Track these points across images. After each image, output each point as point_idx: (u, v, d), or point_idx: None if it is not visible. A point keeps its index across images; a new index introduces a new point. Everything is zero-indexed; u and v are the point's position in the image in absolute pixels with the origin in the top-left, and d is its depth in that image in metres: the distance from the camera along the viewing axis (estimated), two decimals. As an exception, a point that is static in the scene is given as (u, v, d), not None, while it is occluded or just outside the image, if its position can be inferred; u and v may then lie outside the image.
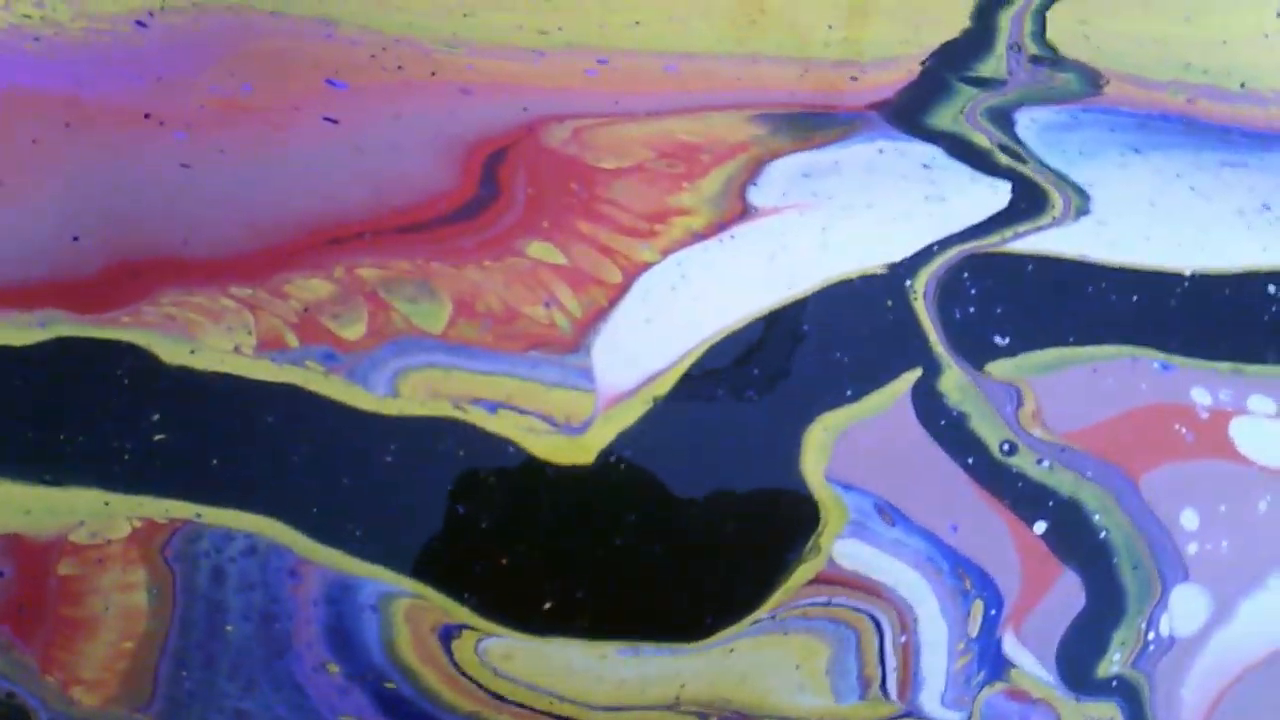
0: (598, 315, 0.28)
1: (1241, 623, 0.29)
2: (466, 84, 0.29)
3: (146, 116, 0.28)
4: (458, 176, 0.28)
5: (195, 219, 0.28)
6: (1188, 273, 0.31)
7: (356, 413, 0.27)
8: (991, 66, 0.32)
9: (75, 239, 0.27)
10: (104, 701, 0.25)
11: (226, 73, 0.28)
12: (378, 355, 0.27)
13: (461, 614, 0.26)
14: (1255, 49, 0.33)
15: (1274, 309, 0.31)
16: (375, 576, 0.26)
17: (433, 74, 0.29)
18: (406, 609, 0.26)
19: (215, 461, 0.26)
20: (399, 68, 0.29)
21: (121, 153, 0.28)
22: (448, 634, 0.26)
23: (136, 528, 0.26)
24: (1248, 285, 0.31)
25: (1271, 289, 0.32)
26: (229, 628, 0.26)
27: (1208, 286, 0.31)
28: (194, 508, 0.26)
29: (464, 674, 0.26)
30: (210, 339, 0.27)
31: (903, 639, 0.27)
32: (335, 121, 0.28)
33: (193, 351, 0.26)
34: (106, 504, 0.26)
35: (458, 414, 0.27)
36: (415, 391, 0.27)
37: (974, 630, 0.27)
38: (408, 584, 0.26)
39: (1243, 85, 0.33)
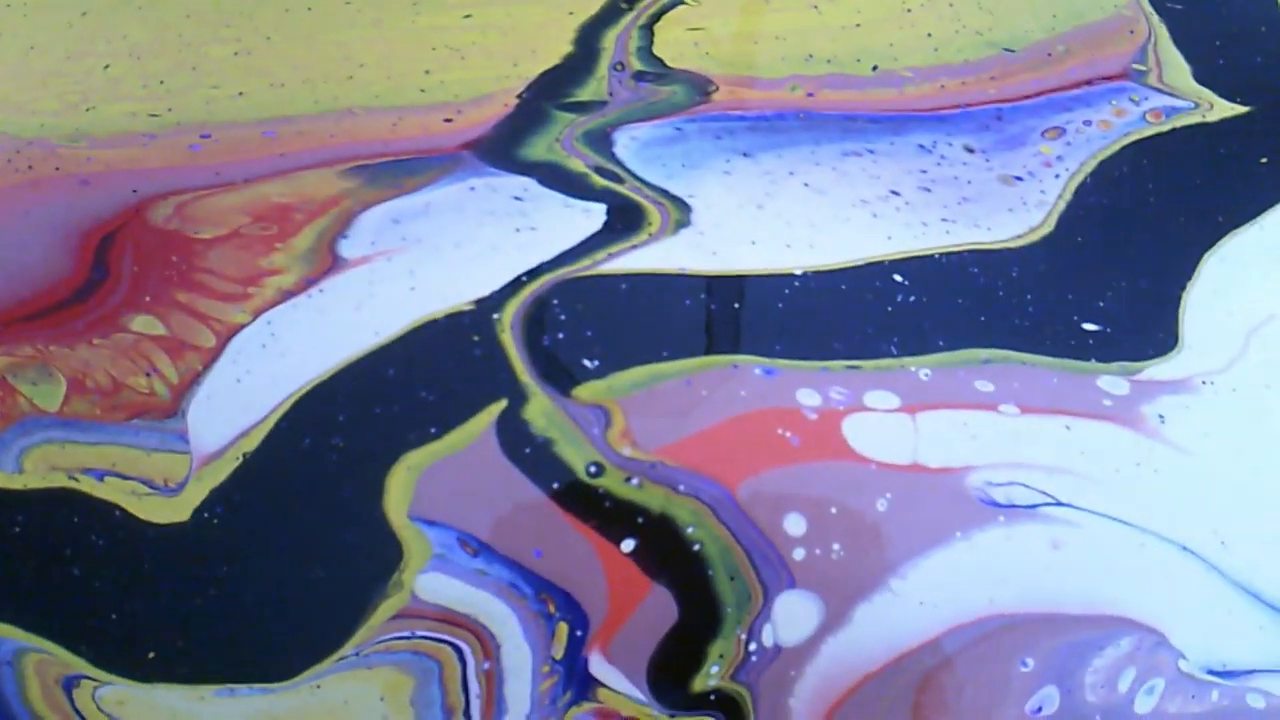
0: (193, 379, 0.30)
1: (858, 628, 0.28)
2: (86, 175, 0.31)
3: None
4: (73, 262, 0.31)
5: None
6: (799, 272, 0.30)
7: (-11, 490, 0.30)
8: (592, 89, 0.32)
9: None
10: None
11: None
12: (6, 436, 0.30)
13: (80, 665, 0.28)
14: (893, 27, 0.32)
15: (899, 298, 0.30)
16: (9, 635, 0.29)
17: (56, 169, 0.32)
18: (36, 663, 0.28)
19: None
20: (29, 167, 0.32)
21: None
22: (69, 684, 0.28)
23: None
24: (869, 277, 0.30)
25: (897, 278, 0.30)
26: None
27: (821, 283, 0.30)
28: None
29: (83, 720, 0.28)
30: None
31: (486, 666, 0.28)
32: (-28, 225, 0.31)
33: None
34: None
35: (72, 484, 0.29)
36: (37, 466, 0.30)
37: (558, 652, 0.28)
38: (35, 640, 0.29)
39: (875, 68, 0.32)
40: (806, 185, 0.31)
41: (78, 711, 0.28)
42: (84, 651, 0.28)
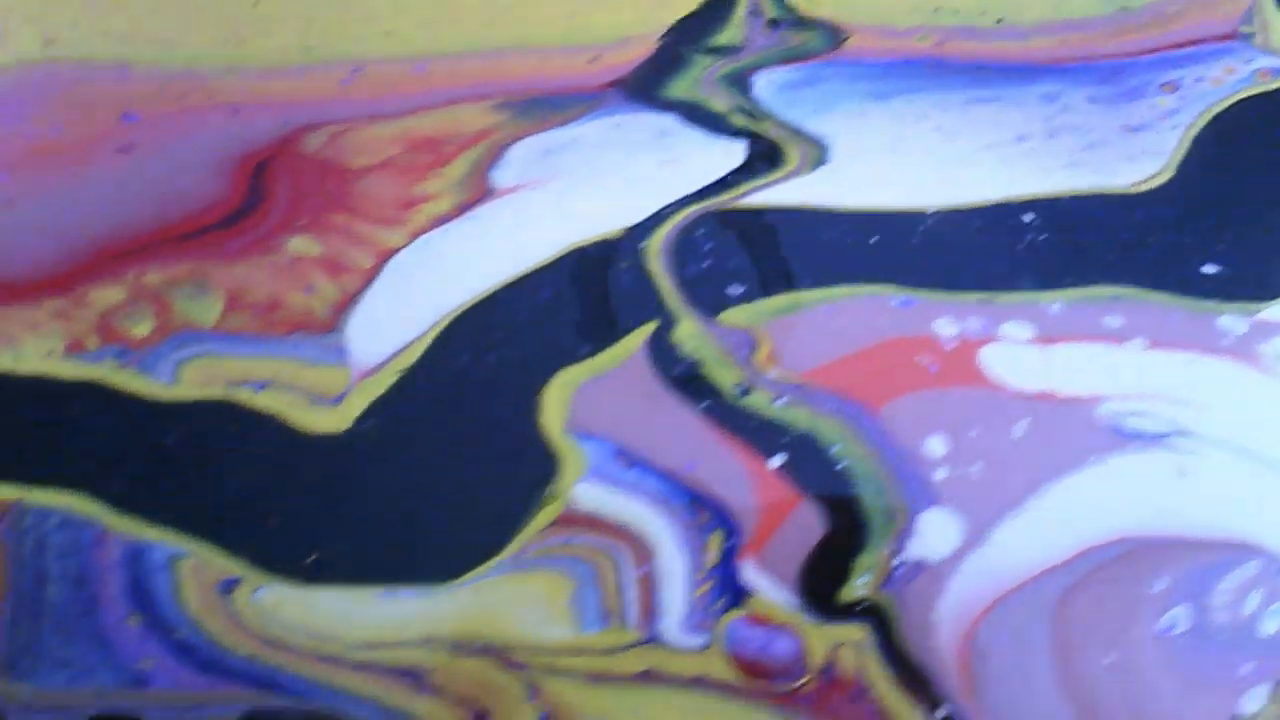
0: (351, 297, 0.30)
1: (997, 548, 0.29)
2: (237, 105, 0.32)
3: (-26, 164, 0.32)
4: (228, 187, 0.32)
5: (15, 246, 0.32)
6: (931, 211, 0.31)
7: (145, 400, 0.30)
8: (729, 35, 0.33)
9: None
10: (-45, 661, 0.29)
11: (43, 118, 0.33)
12: (162, 349, 0.31)
13: (237, 569, 0.29)
14: (1015, -15, 0.34)
15: (1029, 236, 0.31)
16: (165, 540, 0.29)
17: (209, 100, 0.33)
18: (192, 567, 0.29)
19: (36, 450, 0.30)
20: (182, 97, 0.33)
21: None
22: (227, 586, 0.29)
23: (-29, 512, 0.30)
24: (999, 216, 0.32)
25: (1026, 217, 0.32)
26: (50, 590, 0.29)
27: (954, 221, 0.31)
28: (18, 490, 0.30)
29: (241, 622, 0.29)
30: (28, 347, 0.31)
31: (641, 572, 0.28)
32: (129, 151, 0.32)
33: (15, 359, 0.31)
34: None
35: (230, 395, 0.30)
36: (194, 378, 0.30)
37: (712, 560, 0.28)
38: (192, 545, 0.29)
39: (999, 21, 0.34)
40: (937, 129, 0.32)
41: (235, 613, 0.29)
42: (242, 555, 0.29)
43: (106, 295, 0.31)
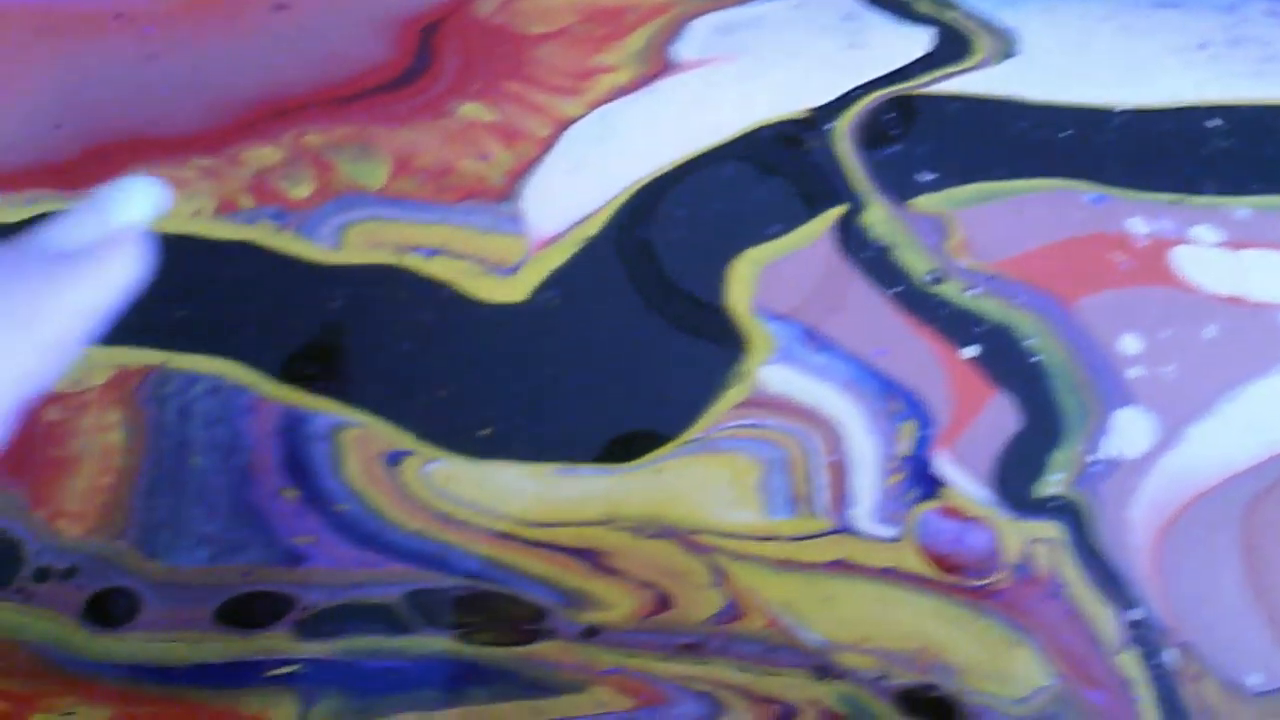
0: (528, 166, 0.29)
1: (1191, 448, 0.28)
2: (405, -33, 0.31)
3: (117, 16, 0.31)
4: (394, 49, 0.30)
5: (161, 103, 0.30)
6: (1119, 109, 0.31)
7: (306, 263, 0.29)
8: (914, -77, 0.32)
9: (58, 127, 0.30)
10: (85, 531, 0.28)
11: (190, -28, 0.31)
12: (323, 211, 0.29)
13: (406, 441, 0.27)
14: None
15: (1216, 142, 0.31)
16: (325, 410, 0.28)
17: (374, -40, 0.31)
18: (355, 437, 0.27)
19: (182, 313, 0.29)
20: (344, -43, 0.31)
21: (97, 49, 0.30)
22: (394, 459, 0.27)
23: (112, 375, 0.28)
24: (1185, 119, 0.31)
25: (1212, 123, 0.31)
26: (195, 460, 0.28)
27: (1142, 121, 0.31)
28: (163, 355, 0.28)
29: (409, 496, 0.27)
30: (175, 205, 0.29)
31: (832, 458, 0.27)
32: (284, 7, 0.31)
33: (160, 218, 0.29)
34: (86, 355, 0.28)
35: (397, 260, 0.29)
36: (358, 242, 0.29)
37: (904, 449, 0.27)
38: (356, 415, 0.28)
39: (1178, -69, 0.33)
40: (1123, 29, 0.32)
41: (401, 485, 0.27)
42: (411, 427, 0.27)
43: (261, 155, 0.30)
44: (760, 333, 0.28)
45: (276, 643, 0.27)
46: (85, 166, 0.30)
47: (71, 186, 0.30)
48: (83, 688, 0.27)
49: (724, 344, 0.28)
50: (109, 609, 0.28)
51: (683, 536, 0.27)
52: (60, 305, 0.19)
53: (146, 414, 0.28)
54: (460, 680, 0.27)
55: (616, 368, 0.28)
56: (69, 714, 0.27)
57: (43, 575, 0.28)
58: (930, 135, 0.30)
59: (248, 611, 0.27)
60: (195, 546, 0.28)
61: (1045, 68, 0.31)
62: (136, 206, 0.22)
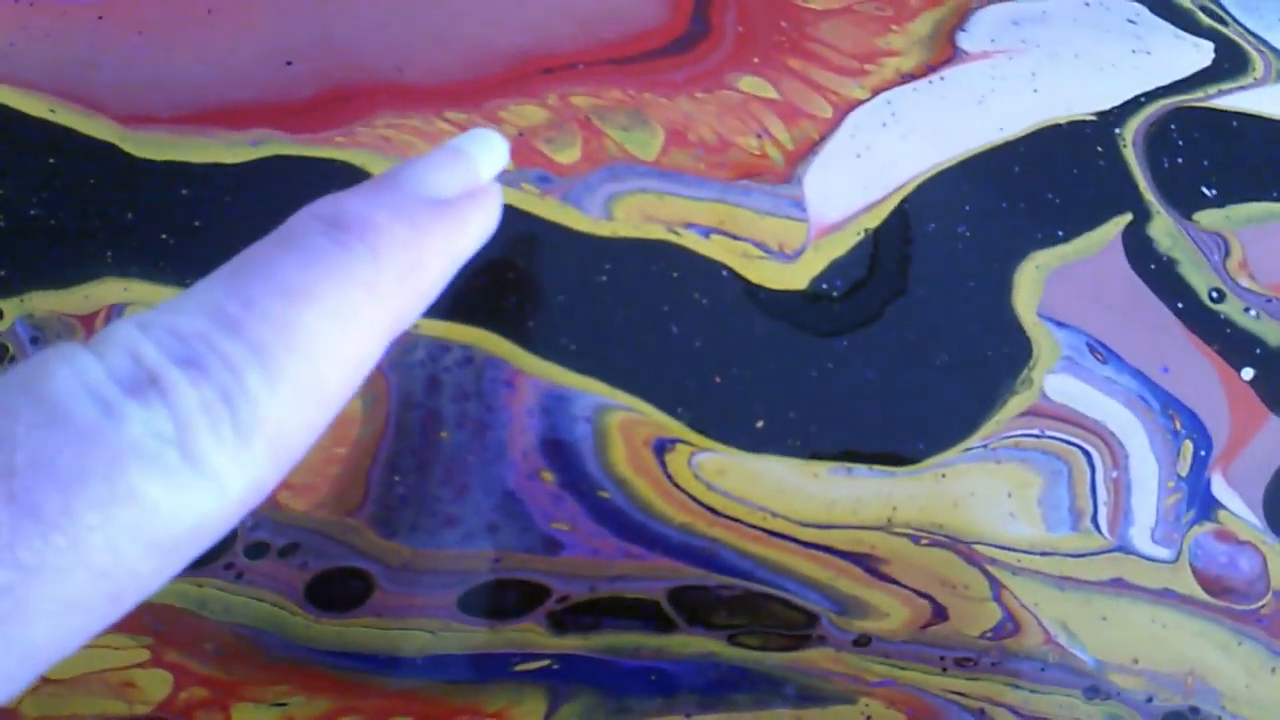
0: (809, 148, 0.28)
1: None
2: (675, -75, 0.29)
3: (366, -51, 0.29)
4: (668, 12, 0.29)
5: (409, 49, 0.28)
6: (1394, 138, 0.30)
7: (571, 233, 0.27)
8: (1191, -71, 0.31)
9: (288, 64, 0.28)
10: (312, 506, 0.26)
11: (441, -90, 0.29)
12: (591, 179, 0.27)
13: (675, 429, 0.26)
14: None
15: None
16: (589, 389, 0.26)
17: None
18: (620, 421, 0.26)
19: (431, 278, 0.27)
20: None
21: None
22: (661, 447, 0.26)
23: (357, 337, 0.26)
24: None
25: None
26: (444, 435, 0.26)
27: None
28: (411, 320, 0.27)
29: (677, 486, 0.26)
30: (428, 159, 0.27)
31: (1114, 474, 0.27)
32: (548, -43, 0.29)
33: (410, 171, 0.27)
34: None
35: (671, 237, 0.27)
36: (629, 215, 0.27)
37: (1184, 469, 0.27)
38: (622, 397, 0.26)
39: None
40: (1394, 57, 0.31)
41: (669, 477, 0.26)
42: (682, 415, 0.26)
43: (524, 113, 0.28)
44: (1046, 339, 0.27)
45: (527, 635, 0.26)
46: (318, 110, 0.28)
47: (302, 129, 0.28)
48: (298, 676, 0.26)
49: (1009, 348, 0.27)
50: (334, 591, 0.26)
51: (961, 546, 0.26)
52: (442, 252, 0.17)
53: (390, 382, 0.26)
54: (723, 685, 0.26)
55: (897, 365, 0.27)
56: (280, 704, 0.26)
57: (258, 551, 0.26)
58: (1212, 150, 0.29)
59: (497, 600, 0.26)
60: (441, 528, 0.26)
61: (1321, 90, 0.31)
62: (496, 158, 0.20)
